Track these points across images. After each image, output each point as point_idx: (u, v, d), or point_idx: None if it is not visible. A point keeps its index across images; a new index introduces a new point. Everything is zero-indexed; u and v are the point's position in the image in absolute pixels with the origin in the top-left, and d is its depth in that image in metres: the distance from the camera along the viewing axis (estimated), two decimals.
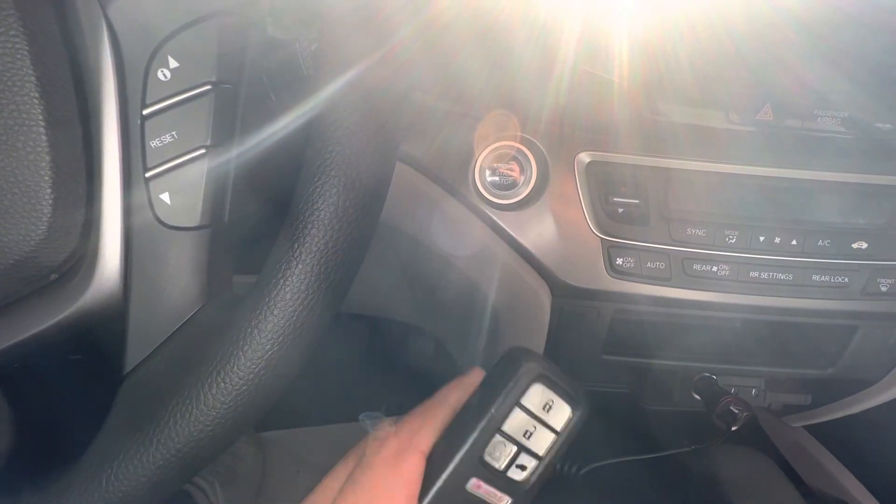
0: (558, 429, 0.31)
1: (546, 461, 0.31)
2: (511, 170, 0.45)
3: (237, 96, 0.27)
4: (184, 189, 0.26)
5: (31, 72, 0.22)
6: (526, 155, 0.44)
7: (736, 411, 0.51)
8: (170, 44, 0.24)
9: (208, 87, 0.25)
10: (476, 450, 0.30)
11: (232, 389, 0.24)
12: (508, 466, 0.31)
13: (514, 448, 0.31)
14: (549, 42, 0.38)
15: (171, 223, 0.26)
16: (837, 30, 0.38)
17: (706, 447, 0.54)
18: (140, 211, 0.25)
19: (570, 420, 0.31)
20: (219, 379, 0.24)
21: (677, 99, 0.43)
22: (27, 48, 0.22)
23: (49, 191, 0.23)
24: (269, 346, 0.24)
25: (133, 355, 0.27)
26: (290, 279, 0.24)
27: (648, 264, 0.44)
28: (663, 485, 0.59)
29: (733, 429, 0.52)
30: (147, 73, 0.24)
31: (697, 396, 0.57)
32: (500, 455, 0.31)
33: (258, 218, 0.34)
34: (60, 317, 0.25)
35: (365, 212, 0.26)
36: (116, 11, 0.24)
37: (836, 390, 0.55)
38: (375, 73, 0.27)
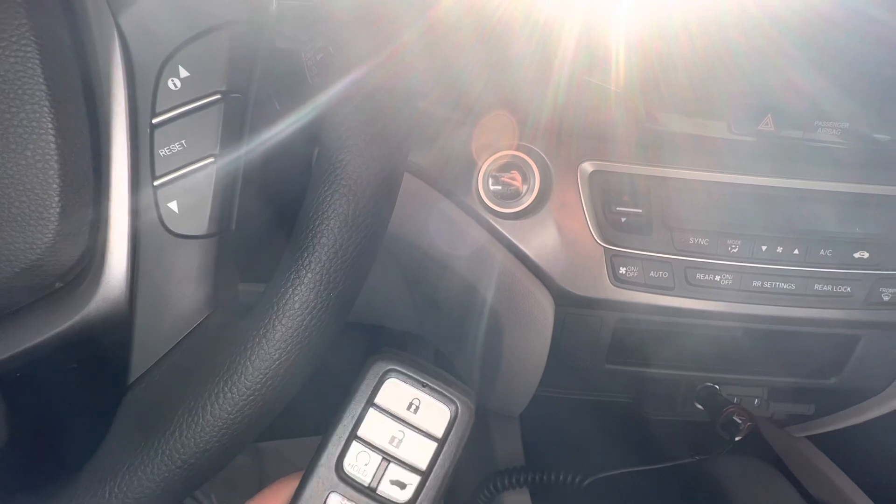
0: (438, 434, 0.26)
1: (432, 477, 0.26)
2: (513, 179, 0.45)
3: (246, 105, 0.27)
4: (192, 197, 0.26)
5: (41, 80, 0.22)
6: (529, 164, 0.44)
7: (739, 421, 0.51)
8: (180, 53, 0.25)
9: (218, 96, 0.25)
10: (331, 459, 0.26)
11: (239, 400, 0.24)
12: (378, 482, 0.26)
13: (380, 458, 0.26)
14: (549, 50, 0.38)
15: (178, 231, 0.26)
16: (834, 43, 0.39)
17: (710, 458, 0.54)
18: (147, 219, 0.25)
19: (451, 422, 0.26)
20: (226, 389, 0.24)
21: (678, 109, 0.43)
22: (38, 57, 0.22)
23: (56, 199, 0.23)
24: (276, 355, 0.24)
25: (138, 365, 0.26)
26: (299, 287, 0.24)
27: (651, 273, 0.44)
28: (668, 496, 0.59)
29: (737, 439, 0.51)
30: (157, 82, 0.25)
31: (700, 406, 0.57)
32: (363, 467, 0.26)
33: (264, 226, 0.34)
34: (65, 325, 0.25)
35: (374, 218, 0.26)
36: (128, 21, 0.24)
37: (839, 400, 0.55)
38: (380, 75, 0.27)
